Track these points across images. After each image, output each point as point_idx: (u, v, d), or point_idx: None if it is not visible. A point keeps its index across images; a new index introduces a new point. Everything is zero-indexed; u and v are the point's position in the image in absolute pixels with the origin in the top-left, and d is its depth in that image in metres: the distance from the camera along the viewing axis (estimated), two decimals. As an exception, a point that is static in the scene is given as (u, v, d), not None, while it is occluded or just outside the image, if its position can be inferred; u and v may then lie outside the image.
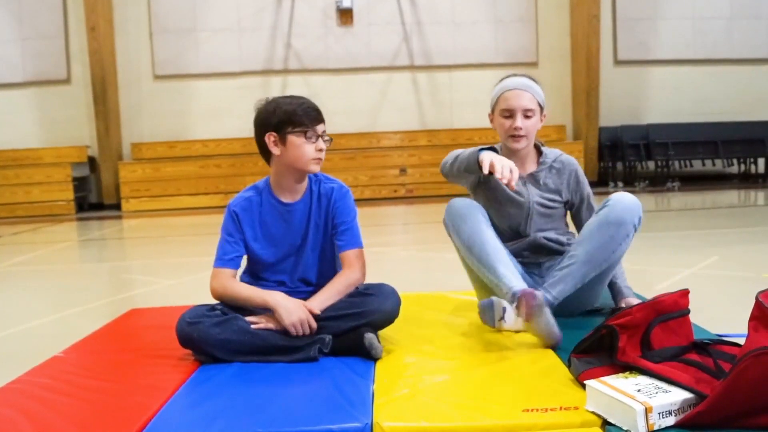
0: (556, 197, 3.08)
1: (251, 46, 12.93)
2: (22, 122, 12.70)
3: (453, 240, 2.97)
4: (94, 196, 13.01)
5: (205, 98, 12.84)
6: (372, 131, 13.15)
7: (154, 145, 12.82)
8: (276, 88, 12.91)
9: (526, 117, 2.98)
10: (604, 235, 2.77)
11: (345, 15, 12.95)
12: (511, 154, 3.03)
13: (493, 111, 3.08)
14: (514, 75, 3.09)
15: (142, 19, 12.74)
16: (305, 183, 2.81)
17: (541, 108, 3.04)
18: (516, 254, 3.02)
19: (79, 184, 12.52)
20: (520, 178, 3.02)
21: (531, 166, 3.10)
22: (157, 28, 12.79)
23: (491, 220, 3.00)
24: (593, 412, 1.94)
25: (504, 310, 2.77)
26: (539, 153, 3.13)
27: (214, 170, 12.31)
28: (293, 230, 2.79)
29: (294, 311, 2.57)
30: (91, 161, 12.86)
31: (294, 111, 2.69)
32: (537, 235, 3.03)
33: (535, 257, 3.07)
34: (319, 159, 2.72)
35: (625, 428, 1.83)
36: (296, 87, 12.92)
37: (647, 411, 1.80)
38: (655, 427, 1.80)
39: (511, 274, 2.76)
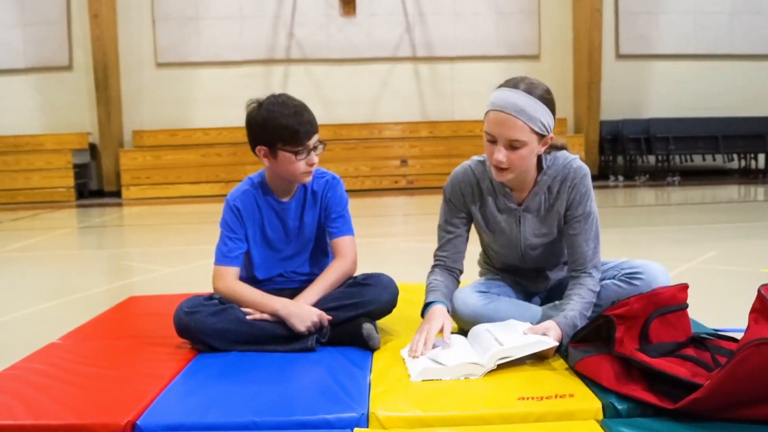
0: (554, 223, 2.54)
1: (253, 34, 12.90)
2: (23, 108, 12.68)
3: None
4: (94, 183, 13.01)
5: (206, 86, 12.83)
6: (373, 122, 13.12)
7: (155, 132, 12.81)
8: (278, 77, 12.89)
9: (512, 148, 2.32)
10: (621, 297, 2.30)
11: (347, 5, 12.91)
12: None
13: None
14: (514, 85, 2.35)
15: (144, 6, 12.71)
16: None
17: (539, 135, 2.37)
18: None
19: (80, 170, 12.52)
20: (512, 211, 2.53)
21: (528, 187, 2.52)
22: (160, 16, 12.76)
23: (491, 249, 2.72)
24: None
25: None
26: (540, 168, 2.51)
27: (215, 159, 12.30)
28: (289, 230, 2.78)
29: (306, 318, 2.55)
30: (92, 148, 12.85)
31: (287, 127, 2.54)
32: (555, 278, 2.73)
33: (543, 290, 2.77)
34: (310, 171, 2.66)
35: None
36: (298, 76, 12.91)
37: None
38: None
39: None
